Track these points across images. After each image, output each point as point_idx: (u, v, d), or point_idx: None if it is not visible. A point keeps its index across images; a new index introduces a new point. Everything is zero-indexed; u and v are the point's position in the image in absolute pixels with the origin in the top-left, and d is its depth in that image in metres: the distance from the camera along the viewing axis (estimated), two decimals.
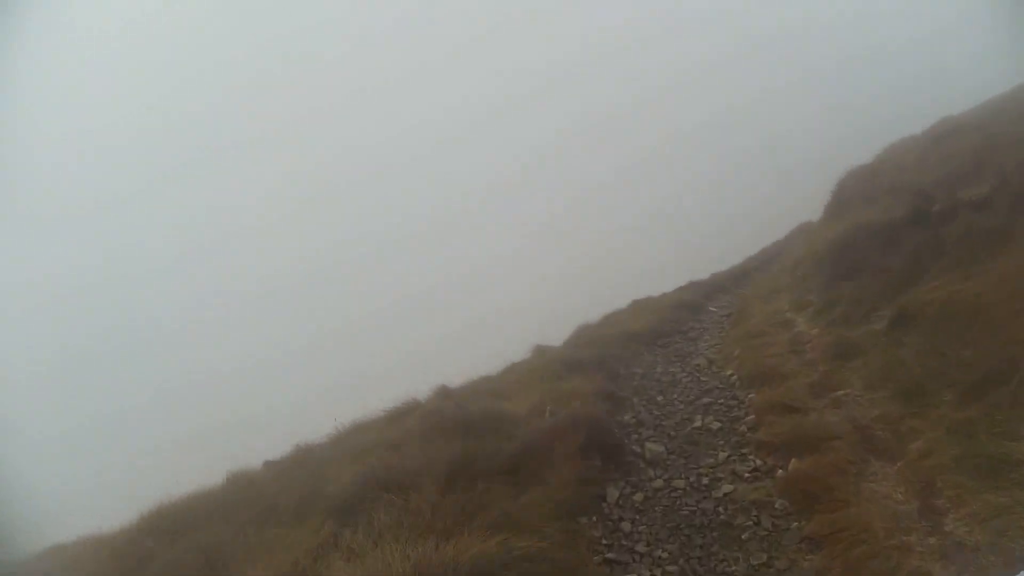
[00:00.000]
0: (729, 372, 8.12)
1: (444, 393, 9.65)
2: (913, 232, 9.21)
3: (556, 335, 15.45)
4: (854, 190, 16.04)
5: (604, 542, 4.67)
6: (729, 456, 5.67)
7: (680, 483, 5.38)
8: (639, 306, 14.98)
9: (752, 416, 6.32)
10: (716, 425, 6.41)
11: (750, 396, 7.08)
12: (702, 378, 8.22)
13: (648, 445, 5.98)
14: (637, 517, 4.97)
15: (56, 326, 75.30)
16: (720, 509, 4.91)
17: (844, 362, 7.33)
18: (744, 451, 5.73)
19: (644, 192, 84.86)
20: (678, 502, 5.11)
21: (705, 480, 5.37)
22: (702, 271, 25.20)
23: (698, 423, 6.56)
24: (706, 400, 7.28)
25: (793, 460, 5.26)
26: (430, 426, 6.56)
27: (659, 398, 7.65)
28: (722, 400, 7.19)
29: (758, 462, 5.44)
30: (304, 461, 8.15)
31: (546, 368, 9.10)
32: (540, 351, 12.33)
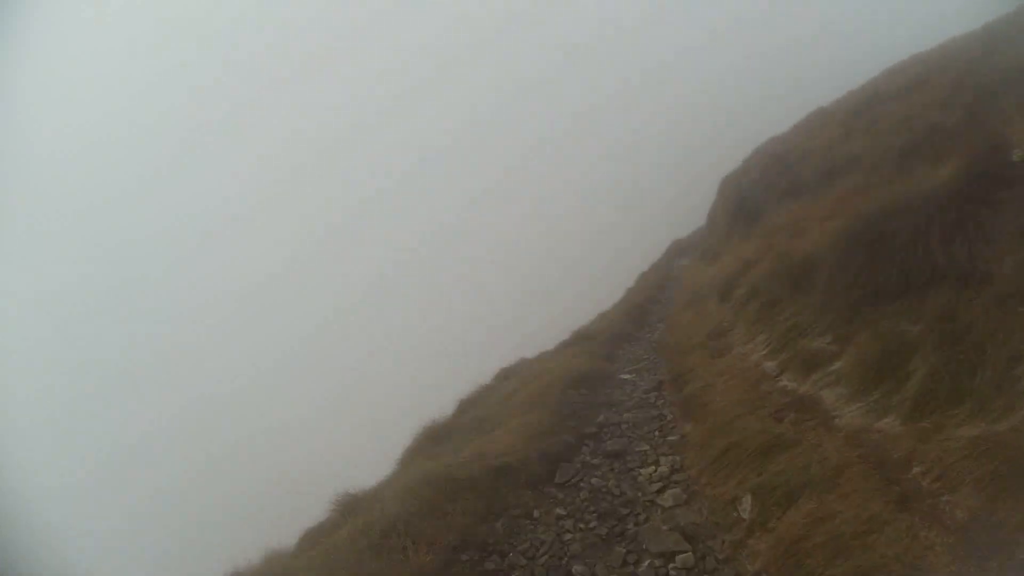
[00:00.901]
0: None
1: None
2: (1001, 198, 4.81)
3: (394, 432, 10.03)
4: (765, 186, 12.23)
5: None
6: None
7: None
8: (511, 383, 9.71)
9: None
10: None
11: None
12: None
13: None
14: None
15: (59, 353, 70.84)
16: None
17: None
18: None
19: (481, 232, 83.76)
20: None
21: None
22: (579, 312, 20.80)
23: None
24: None
25: None
26: None
27: None
28: None
29: None
30: None
31: None
32: (346, 513, 6.54)
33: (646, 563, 3.57)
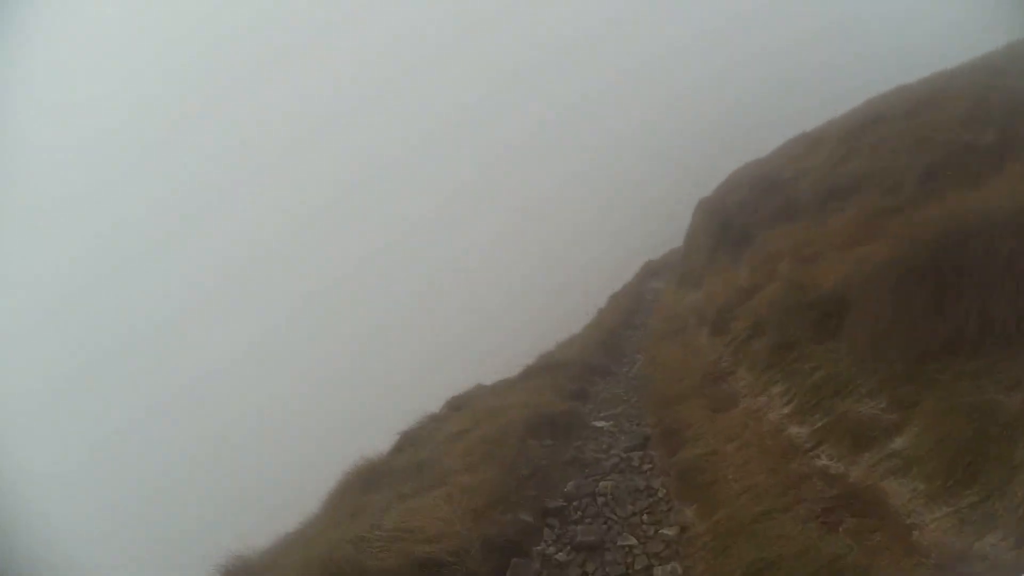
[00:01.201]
0: None
1: None
2: None
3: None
4: (754, 207, 11.13)
5: None
6: None
7: None
8: (463, 417, 8.22)
9: None
10: None
11: None
12: None
13: None
14: None
15: (52, 339, 69.44)
16: None
17: None
18: None
19: (441, 244, 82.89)
20: None
21: None
22: (546, 329, 19.38)
23: None
24: None
25: None
26: None
27: None
28: None
29: None
30: None
31: None
32: None
33: None
